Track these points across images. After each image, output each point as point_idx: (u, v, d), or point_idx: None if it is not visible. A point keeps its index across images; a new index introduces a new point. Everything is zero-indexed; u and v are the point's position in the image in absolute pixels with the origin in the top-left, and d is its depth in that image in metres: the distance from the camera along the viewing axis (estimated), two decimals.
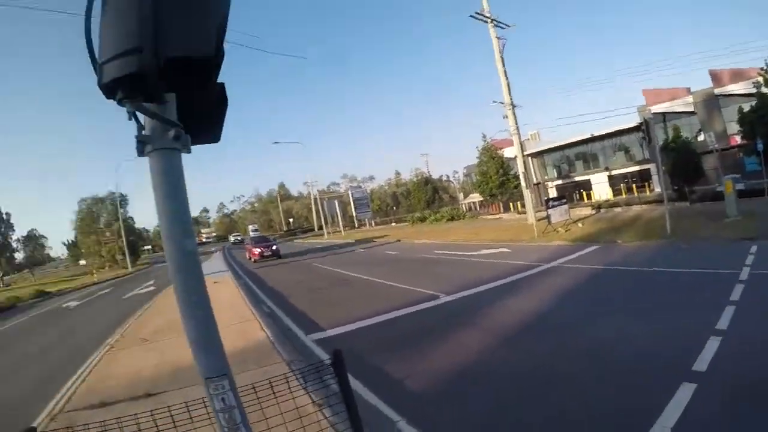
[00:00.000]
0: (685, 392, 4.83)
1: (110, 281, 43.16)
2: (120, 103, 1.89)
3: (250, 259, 34.16)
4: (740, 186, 22.11)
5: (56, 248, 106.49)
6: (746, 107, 28.65)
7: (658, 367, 5.68)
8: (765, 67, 27.16)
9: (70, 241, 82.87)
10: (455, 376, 6.39)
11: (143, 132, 2.08)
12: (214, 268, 28.42)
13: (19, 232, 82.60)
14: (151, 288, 26.67)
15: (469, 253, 20.03)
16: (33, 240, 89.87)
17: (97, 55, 1.87)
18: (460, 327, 8.70)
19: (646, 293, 9.61)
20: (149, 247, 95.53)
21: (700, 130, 37.56)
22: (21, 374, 10.79)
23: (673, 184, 29.79)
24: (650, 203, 31.67)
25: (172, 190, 2.10)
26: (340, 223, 71.74)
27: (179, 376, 7.22)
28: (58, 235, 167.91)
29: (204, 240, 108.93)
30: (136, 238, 75.16)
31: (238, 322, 10.65)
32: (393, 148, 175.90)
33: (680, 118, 38.92)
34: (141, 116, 2.06)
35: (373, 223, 77.87)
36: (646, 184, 41.65)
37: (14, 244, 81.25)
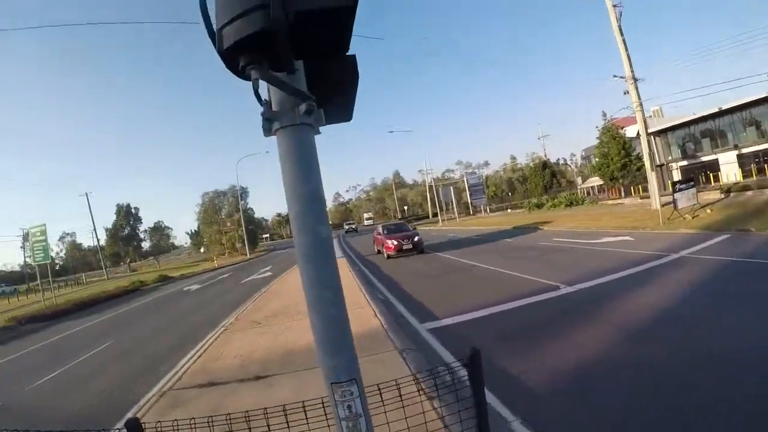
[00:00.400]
0: None
1: (229, 267, 46.30)
2: (243, 73, 1.64)
3: (379, 253, 26.58)
4: None
5: (180, 237, 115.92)
6: None
7: None
8: None
9: (192, 231, 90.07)
10: (576, 371, 5.90)
11: (271, 108, 1.85)
12: None
13: (146, 223, 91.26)
14: (268, 274, 28.17)
15: (590, 241, 18.84)
16: (159, 231, 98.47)
17: (214, 23, 1.63)
18: (583, 319, 8.10)
19: None
20: (267, 235, 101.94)
21: None
22: (137, 354, 11.61)
23: None
24: None
25: (304, 171, 1.86)
26: (455, 210, 71.06)
27: (289, 360, 7.46)
28: (183, 225, 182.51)
29: None
30: (255, 227, 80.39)
31: (352, 308, 10.63)
32: (508, 132, 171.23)
33: None
34: (265, 93, 1.83)
35: (488, 210, 76.45)
36: None
37: (141, 235, 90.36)
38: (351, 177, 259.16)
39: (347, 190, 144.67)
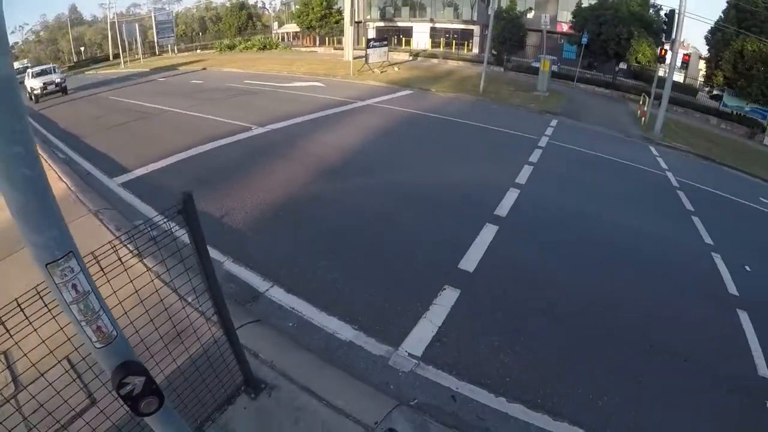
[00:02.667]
0: (488, 232, 5.95)
1: None
2: None
3: None
4: (554, 68, 25.58)
5: None
6: (585, 3, 31.59)
7: (468, 209, 6.78)
8: None
9: None
10: (273, 208, 6.57)
11: None
12: None
13: None
14: None
15: (282, 84, 19.35)
16: None
17: None
18: (275, 160, 8.77)
19: (456, 143, 10.86)
20: None
21: (530, 9, 38.68)
22: None
23: (493, 49, 31.64)
24: (467, 61, 34.10)
25: None
26: (140, 50, 61.66)
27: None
28: None
29: None
30: None
31: None
32: None
33: None
34: None
35: (176, 50, 68.26)
36: (466, 43, 43.46)
37: None
38: (16, 17, 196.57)
39: (12, 32, 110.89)
